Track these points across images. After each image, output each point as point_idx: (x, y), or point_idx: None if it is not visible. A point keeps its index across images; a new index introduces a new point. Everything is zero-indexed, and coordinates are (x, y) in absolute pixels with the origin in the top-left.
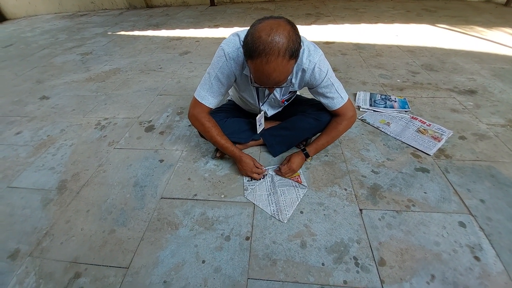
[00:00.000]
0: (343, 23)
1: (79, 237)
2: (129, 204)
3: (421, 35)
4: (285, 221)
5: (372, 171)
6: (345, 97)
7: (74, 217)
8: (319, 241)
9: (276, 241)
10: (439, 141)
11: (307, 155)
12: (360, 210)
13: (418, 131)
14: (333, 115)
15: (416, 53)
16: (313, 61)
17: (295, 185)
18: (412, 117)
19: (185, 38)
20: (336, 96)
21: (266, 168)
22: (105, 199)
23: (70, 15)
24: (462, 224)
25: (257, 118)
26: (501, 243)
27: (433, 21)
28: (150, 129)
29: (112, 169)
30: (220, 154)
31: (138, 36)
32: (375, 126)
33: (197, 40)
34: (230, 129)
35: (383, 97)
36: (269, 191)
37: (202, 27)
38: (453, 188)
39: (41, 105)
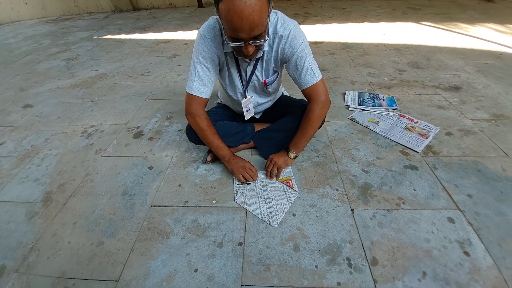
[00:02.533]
0: (331, 23)
1: (66, 250)
2: (118, 214)
3: (406, 33)
4: (276, 225)
5: (363, 170)
6: (319, 75)
7: (61, 230)
8: (312, 243)
9: (269, 245)
10: (426, 138)
11: (288, 151)
12: (352, 210)
13: (406, 128)
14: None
15: (402, 51)
16: (288, 28)
17: (286, 189)
18: (400, 115)
19: (173, 40)
20: (309, 71)
21: (258, 172)
22: (92, 210)
23: (54, 20)
24: (451, 220)
25: (242, 102)
26: (490, 238)
27: (418, 19)
28: (138, 135)
29: (99, 178)
30: (211, 158)
31: (125, 40)
32: (364, 125)
33: (185, 42)
34: (220, 132)
35: (371, 96)
36: (259, 194)
37: (190, 29)
38: (441, 184)
39: (25, 113)
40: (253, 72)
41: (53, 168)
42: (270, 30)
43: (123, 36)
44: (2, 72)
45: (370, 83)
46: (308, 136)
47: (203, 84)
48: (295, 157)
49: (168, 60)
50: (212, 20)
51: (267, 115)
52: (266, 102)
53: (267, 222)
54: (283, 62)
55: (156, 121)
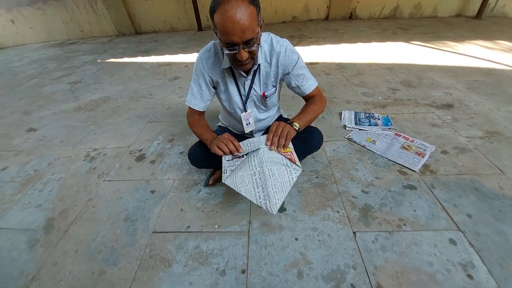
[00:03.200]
0: (324, 44)
1: (67, 280)
2: (120, 241)
3: (397, 53)
4: (275, 212)
5: (362, 191)
6: (315, 81)
7: (62, 259)
8: (316, 270)
9: (273, 272)
10: (423, 156)
11: (291, 123)
12: (354, 233)
13: (403, 147)
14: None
15: (394, 70)
16: (283, 45)
17: (287, 163)
18: (396, 134)
19: (174, 63)
20: (310, 78)
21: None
22: (94, 237)
23: (59, 44)
24: (452, 241)
25: (242, 116)
26: (491, 258)
27: (407, 39)
28: (141, 158)
29: (102, 203)
30: (213, 181)
31: (128, 63)
32: (361, 144)
33: (186, 65)
34: (218, 159)
35: (367, 115)
36: (253, 170)
37: (191, 52)
38: (441, 204)
39: (29, 137)
40: (251, 86)
41: (55, 193)
42: (266, 47)
43: (126, 60)
44: (7, 95)
45: (365, 103)
46: (312, 114)
47: (194, 97)
48: (299, 130)
49: (170, 82)
50: (210, 44)
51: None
52: (265, 119)
53: (264, 207)
54: (285, 74)
55: (158, 144)
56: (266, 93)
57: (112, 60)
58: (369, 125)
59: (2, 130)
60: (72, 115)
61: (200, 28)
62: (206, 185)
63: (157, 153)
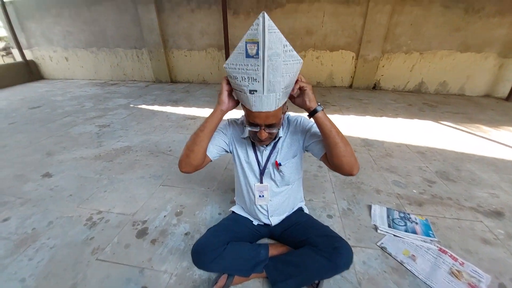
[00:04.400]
0: (348, 114)
1: None
2: None
3: (427, 133)
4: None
5: None
6: None
7: None
8: None
9: None
10: None
11: (313, 113)
12: None
13: (451, 273)
14: None
15: (427, 155)
16: (298, 116)
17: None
18: (440, 249)
19: (199, 117)
20: None
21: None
22: None
23: (102, 83)
24: None
25: (256, 186)
26: None
27: (436, 117)
28: (142, 233)
29: None
30: (223, 283)
31: (157, 112)
32: (398, 259)
33: None
34: (230, 256)
35: (401, 215)
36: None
37: None
38: None
39: (41, 184)
40: (269, 157)
41: (43, 267)
42: (284, 123)
43: (156, 108)
44: (39, 130)
45: (397, 195)
46: (340, 133)
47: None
48: (320, 110)
49: None
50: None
51: (285, 234)
52: (281, 193)
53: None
54: (303, 133)
55: (164, 216)
56: (280, 161)
57: (143, 106)
58: (406, 230)
59: (20, 170)
60: (90, 163)
61: None
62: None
63: (161, 229)
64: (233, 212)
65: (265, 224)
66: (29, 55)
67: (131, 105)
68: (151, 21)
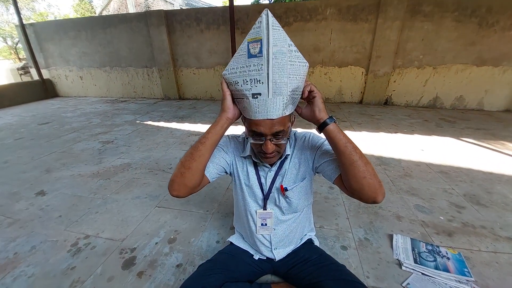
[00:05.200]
0: (360, 130)
1: None
2: None
3: (448, 151)
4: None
5: None
6: None
7: None
8: None
9: None
10: None
11: (323, 126)
12: None
13: None
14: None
15: (451, 176)
16: (306, 133)
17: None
18: None
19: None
20: None
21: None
22: None
23: (112, 100)
24: None
25: (258, 212)
26: None
27: (456, 134)
28: (129, 264)
29: None
30: None
31: (162, 128)
32: None
33: None
34: None
35: (429, 248)
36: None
37: None
38: None
39: (33, 203)
40: (274, 180)
41: None
42: (291, 139)
43: (161, 124)
44: (43, 146)
45: (422, 223)
46: (357, 148)
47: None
48: (332, 122)
49: None
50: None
51: (292, 273)
52: (287, 220)
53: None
54: (313, 151)
55: (155, 244)
56: (285, 185)
57: (149, 122)
58: (436, 267)
59: (15, 187)
60: (87, 181)
61: None
62: None
63: (151, 259)
64: (231, 243)
65: (267, 258)
66: (46, 74)
67: (137, 121)
68: (162, 42)
